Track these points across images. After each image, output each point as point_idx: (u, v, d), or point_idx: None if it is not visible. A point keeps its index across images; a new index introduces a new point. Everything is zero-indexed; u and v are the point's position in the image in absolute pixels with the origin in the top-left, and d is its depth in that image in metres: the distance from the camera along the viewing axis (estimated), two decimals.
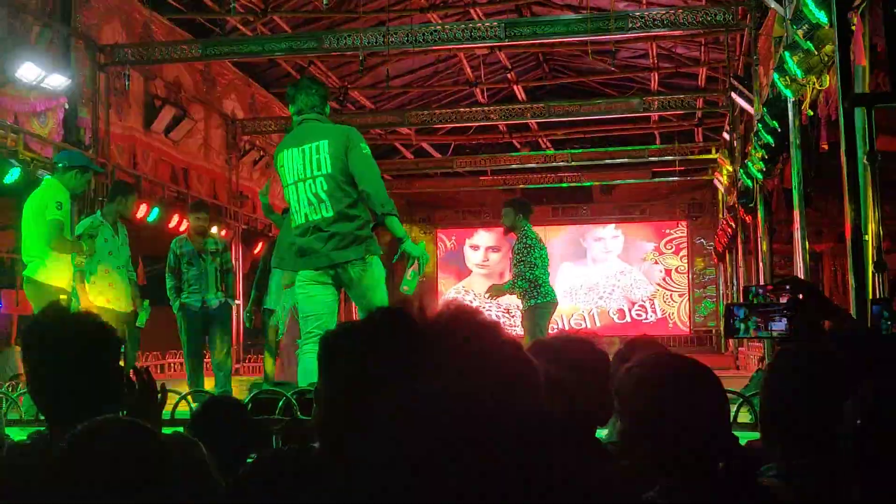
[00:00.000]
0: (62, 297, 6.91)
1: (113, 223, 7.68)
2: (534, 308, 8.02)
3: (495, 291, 8.75)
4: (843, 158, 4.11)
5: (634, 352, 2.97)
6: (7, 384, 8.95)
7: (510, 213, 8.29)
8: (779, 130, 8.40)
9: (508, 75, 17.36)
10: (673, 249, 22.35)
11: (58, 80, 10.64)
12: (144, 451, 1.60)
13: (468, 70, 16.84)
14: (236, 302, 9.01)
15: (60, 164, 7.25)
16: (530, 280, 7.99)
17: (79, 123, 11.59)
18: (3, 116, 10.22)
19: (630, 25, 10.81)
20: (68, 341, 2.32)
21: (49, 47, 10.97)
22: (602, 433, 2.90)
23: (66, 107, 11.24)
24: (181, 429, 3.50)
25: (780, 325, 2.82)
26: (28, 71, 10.19)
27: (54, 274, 6.92)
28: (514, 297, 8.41)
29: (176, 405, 5.06)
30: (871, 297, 3.91)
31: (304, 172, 5.36)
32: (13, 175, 9.83)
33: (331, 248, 5.27)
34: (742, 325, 2.87)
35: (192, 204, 10.05)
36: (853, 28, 5.46)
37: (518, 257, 8.10)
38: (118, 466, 1.61)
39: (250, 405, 4.89)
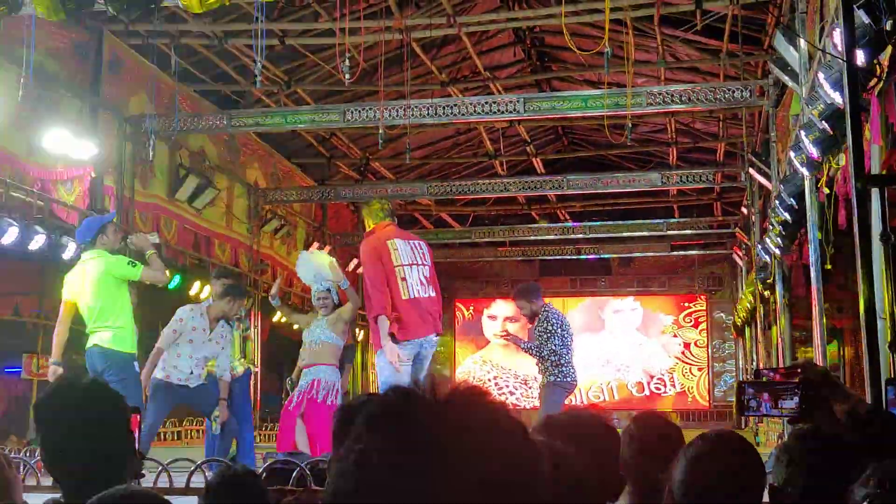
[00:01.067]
0: (136, 364, 7.05)
1: (213, 319, 7.86)
2: (552, 385, 8.05)
3: (514, 339, 8.91)
4: (857, 238, 4.15)
5: (641, 427, 3.01)
6: (25, 449, 8.98)
7: (524, 304, 8.40)
8: (796, 207, 8.45)
9: (527, 148, 17.53)
10: (692, 323, 22.27)
11: (85, 149, 10.83)
12: None
13: (487, 142, 17.02)
14: (255, 368, 9.08)
15: (88, 240, 7.37)
16: (552, 357, 8.05)
17: (104, 192, 11.77)
18: (29, 184, 10.40)
19: (648, 102, 10.94)
20: (80, 412, 2.36)
21: (77, 117, 11.19)
22: None
23: (93, 175, 11.43)
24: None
25: (790, 404, 2.83)
26: (56, 140, 10.38)
27: (129, 339, 7.02)
28: (535, 368, 8.55)
29: (191, 474, 5.07)
30: (885, 377, 3.92)
31: (414, 259, 6.88)
32: (38, 241, 9.97)
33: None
34: (754, 402, 2.89)
35: (215, 271, 10.13)
36: (869, 108, 5.54)
37: (541, 339, 8.15)
38: None
39: (264, 475, 4.90)
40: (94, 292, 7.02)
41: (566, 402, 8.35)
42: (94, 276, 7.03)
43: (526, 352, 8.62)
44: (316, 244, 14.65)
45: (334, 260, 8.51)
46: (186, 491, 4.71)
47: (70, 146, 10.56)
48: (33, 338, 13.30)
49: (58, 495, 2.42)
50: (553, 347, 8.05)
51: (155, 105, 12.68)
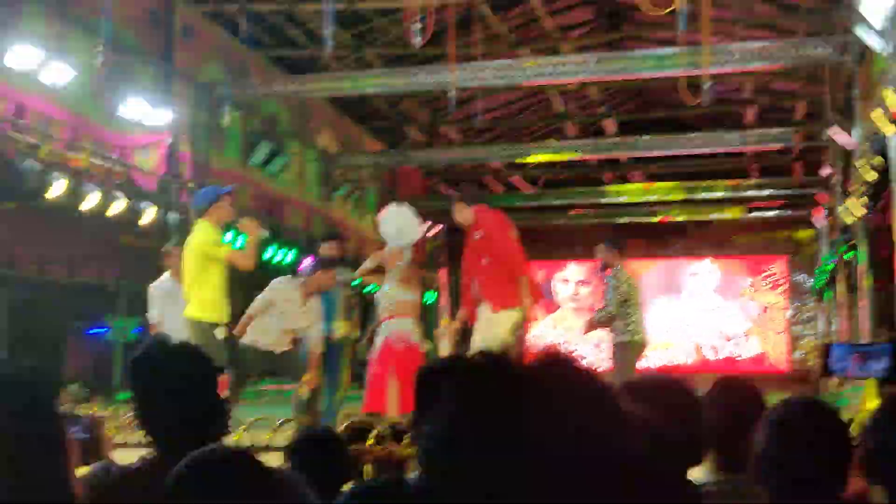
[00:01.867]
0: (218, 331, 7.15)
1: (308, 292, 8.07)
2: (627, 345, 8.04)
3: (589, 326, 8.85)
4: None
5: (724, 392, 2.95)
6: (112, 407, 9.20)
7: (603, 249, 8.43)
8: (881, 167, 8.20)
9: (600, 109, 17.30)
10: (770, 285, 21.88)
11: (161, 116, 10.99)
12: (254, 482, 1.64)
13: (558, 104, 16.83)
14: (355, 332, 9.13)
15: (198, 209, 7.49)
16: (626, 317, 8.05)
17: (180, 158, 11.94)
18: (108, 151, 10.60)
19: (725, 60, 10.67)
20: (172, 370, 2.42)
21: (152, 85, 11.34)
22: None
23: (169, 142, 11.60)
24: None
25: (878, 365, 2.75)
26: (133, 107, 10.56)
27: (208, 307, 7.15)
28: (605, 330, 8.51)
29: (276, 429, 5.14)
30: None
31: None
32: (118, 207, 10.17)
33: None
34: (840, 365, 2.82)
35: (322, 235, 10.21)
36: None
37: (615, 296, 8.16)
38: (229, 496, 1.65)
39: (344, 434, 4.94)
40: (187, 263, 7.18)
41: (640, 362, 8.35)
42: (190, 247, 7.17)
43: (600, 324, 8.55)
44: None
45: (417, 219, 8.39)
46: (268, 449, 4.78)
47: (146, 113, 10.75)
48: (115, 300, 13.60)
49: (149, 453, 2.47)
50: (628, 309, 8.07)
51: (227, 72, 12.79)
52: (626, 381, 2.54)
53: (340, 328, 8.65)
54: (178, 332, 7.21)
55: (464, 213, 7.62)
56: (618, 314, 8.08)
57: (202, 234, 7.16)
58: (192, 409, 2.39)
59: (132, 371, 2.49)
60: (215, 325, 7.12)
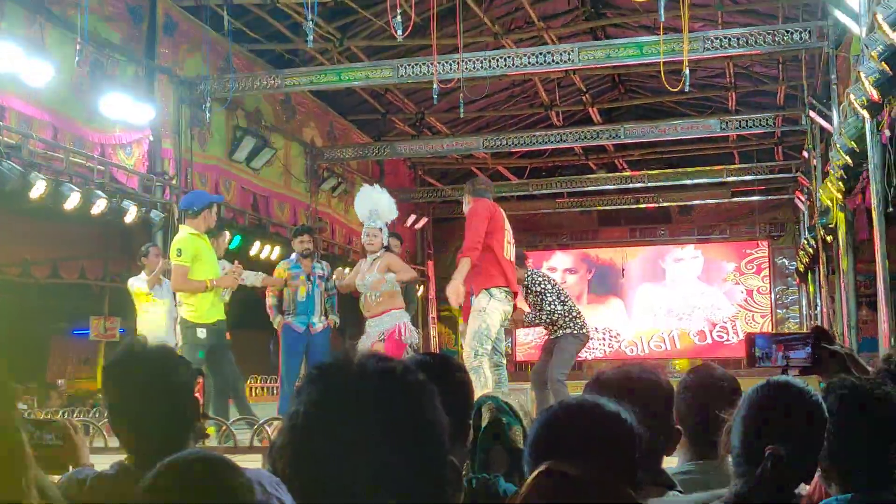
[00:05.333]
0: (199, 331, 7.34)
1: None
2: (568, 336, 8.58)
3: (518, 321, 9.07)
4: None
5: (696, 379, 3.01)
6: (94, 410, 9.22)
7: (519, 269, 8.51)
8: (857, 150, 8.27)
9: (583, 97, 17.34)
10: (754, 269, 21.98)
11: (143, 113, 10.96)
12: (229, 488, 1.65)
13: (543, 93, 16.86)
14: (336, 318, 9.20)
15: (190, 211, 7.64)
16: (556, 315, 8.67)
17: (163, 154, 11.92)
18: (89, 149, 10.56)
19: (705, 46, 10.74)
20: (148, 375, 2.42)
21: (133, 81, 11.32)
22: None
23: (151, 139, 11.57)
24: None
25: (800, 354, 2.81)
26: (114, 105, 10.51)
27: (194, 310, 7.35)
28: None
29: (254, 432, 5.16)
30: None
31: (511, 236, 7.48)
32: (100, 206, 10.13)
33: None
34: (764, 354, 2.87)
35: (295, 229, 10.24)
36: None
37: (537, 304, 8.78)
38: (203, 502, 1.66)
39: None
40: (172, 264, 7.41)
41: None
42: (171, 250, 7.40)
43: (532, 325, 9.10)
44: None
45: (394, 202, 8.32)
46: (251, 450, 4.80)
47: (128, 110, 10.70)
48: (100, 300, 13.58)
49: (124, 458, 2.49)
50: (552, 307, 8.45)
51: (210, 66, 12.75)
52: (597, 375, 2.58)
53: (319, 322, 8.70)
54: (154, 332, 7.35)
55: (464, 205, 7.64)
56: (549, 315, 8.55)
57: (178, 243, 7.34)
58: (167, 413, 2.38)
59: (106, 375, 2.50)
60: (198, 326, 7.20)
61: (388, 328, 7.66)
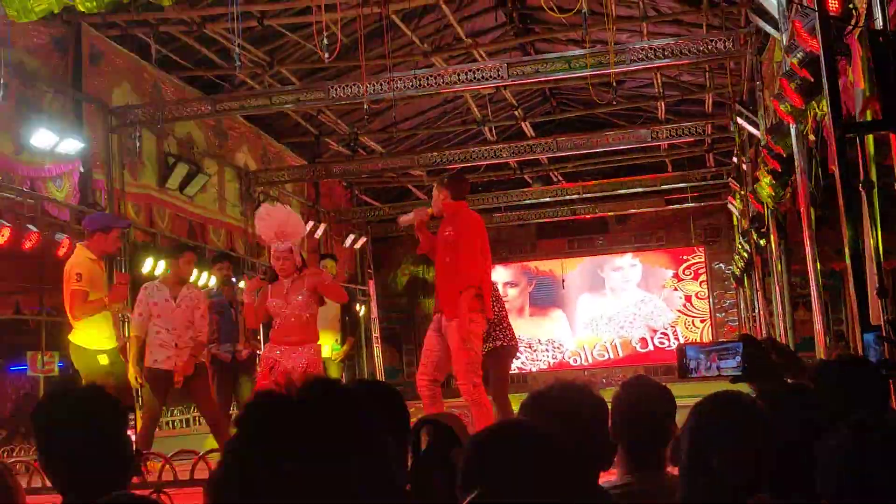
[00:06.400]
0: (100, 357, 7.07)
1: (171, 286, 7.72)
2: (500, 349, 7.83)
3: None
4: (839, 186, 4.15)
5: (630, 393, 3.03)
6: (34, 449, 9.03)
7: None
8: (784, 155, 8.44)
9: (516, 112, 17.47)
10: (692, 275, 22.30)
11: (71, 145, 10.82)
12: None
13: (475, 109, 16.96)
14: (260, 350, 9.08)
15: (86, 230, 7.45)
16: (492, 324, 7.70)
17: (94, 186, 11.77)
18: (19, 183, 10.40)
19: (632, 58, 10.88)
20: (77, 418, 2.38)
21: (61, 113, 11.17)
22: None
23: (81, 170, 11.42)
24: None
25: (730, 363, 2.85)
26: (42, 137, 10.38)
27: (93, 337, 7.09)
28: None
29: (195, 465, 5.11)
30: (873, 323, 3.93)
31: None
32: (32, 240, 9.97)
33: None
34: (694, 364, 2.90)
35: (212, 257, 10.16)
36: (850, 52, 5.50)
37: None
38: None
39: None
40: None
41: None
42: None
43: None
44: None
45: (297, 215, 7.29)
46: (191, 482, 4.74)
47: (56, 142, 10.55)
48: (36, 335, 13.33)
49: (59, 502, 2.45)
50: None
51: (139, 95, 12.64)
52: (531, 395, 2.59)
53: (242, 349, 8.63)
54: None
55: (438, 200, 6.92)
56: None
57: (71, 260, 7.16)
58: (98, 454, 2.35)
59: (36, 417, 2.46)
60: (98, 352, 7.05)
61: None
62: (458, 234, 6.70)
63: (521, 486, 1.65)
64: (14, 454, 9.28)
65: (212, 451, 5.15)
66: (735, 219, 18.83)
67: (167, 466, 4.96)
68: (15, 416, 14.60)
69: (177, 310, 7.55)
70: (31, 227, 10.03)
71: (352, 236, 19.93)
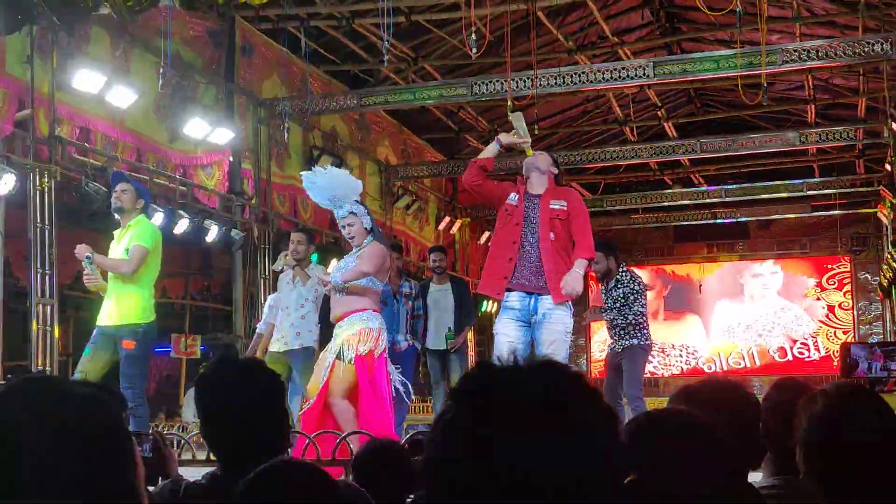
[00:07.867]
0: None
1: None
2: (637, 348, 7.72)
3: (595, 315, 8.60)
4: None
5: (781, 394, 2.95)
6: (178, 426, 9.38)
7: (602, 258, 7.74)
8: None
9: (658, 112, 17.21)
10: (836, 285, 21.53)
11: (223, 135, 11.20)
12: (319, 496, 1.68)
13: (617, 109, 16.79)
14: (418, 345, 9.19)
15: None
16: (638, 320, 7.75)
17: (242, 175, 12.15)
18: (172, 170, 10.83)
19: (783, 59, 10.59)
20: (240, 388, 2.48)
21: (214, 103, 11.57)
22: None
23: (231, 159, 11.81)
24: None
25: None
26: (195, 126, 10.78)
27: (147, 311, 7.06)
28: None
29: (337, 446, 5.22)
30: None
31: None
32: (183, 226, 10.35)
33: None
34: (863, 364, 2.80)
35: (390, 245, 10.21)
36: None
37: (625, 300, 7.79)
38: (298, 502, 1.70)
39: (407, 446, 5.00)
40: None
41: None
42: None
43: (600, 320, 8.59)
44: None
45: (347, 172, 6.96)
46: (333, 462, 4.86)
47: (208, 132, 10.94)
48: (181, 318, 13.87)
49: (214, 469, 2.54)
50: (640, 309, 7.77)
51: (287, 88, 12.99)
52: (684, 387, 2.56)
53: (404, 340, 8.73)
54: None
55: (546, 164, 6.44)
56: (633, 318, 7.77)
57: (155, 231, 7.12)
58: (259, 424, 2.43)
59: (198, 389, 2.57)
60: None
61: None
62: (575, 211, 6.25)
63: (678, 475, 1.63)
64: (159, 429, 9.66)
65: (356, 432, 5.26)
66: (885, 228, 18.12)
67: (310, 446, 5.09)
68: (157, 397, 15.19)
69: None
70: (182, 213, 10.41)
71: (487, 233, 19.98)
